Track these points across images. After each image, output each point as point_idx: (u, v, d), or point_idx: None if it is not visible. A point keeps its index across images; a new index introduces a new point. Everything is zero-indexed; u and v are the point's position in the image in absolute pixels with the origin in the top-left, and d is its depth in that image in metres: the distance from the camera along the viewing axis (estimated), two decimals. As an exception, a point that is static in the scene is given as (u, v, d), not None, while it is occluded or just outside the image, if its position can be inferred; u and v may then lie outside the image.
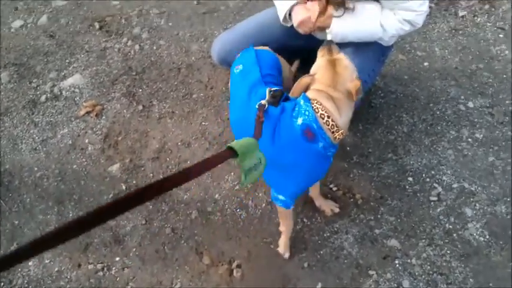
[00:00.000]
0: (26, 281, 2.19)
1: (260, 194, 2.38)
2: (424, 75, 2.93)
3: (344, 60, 1.67)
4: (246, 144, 1.26)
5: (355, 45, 2.05)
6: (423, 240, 2.18)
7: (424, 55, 3.06)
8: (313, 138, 1.66)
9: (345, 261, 2.13)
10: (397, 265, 2.11)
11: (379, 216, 2.28)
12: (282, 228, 2.15)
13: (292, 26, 2.10)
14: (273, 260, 2.16)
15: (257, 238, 2.23)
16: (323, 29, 2.00)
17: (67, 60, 3.16)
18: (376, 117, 2.69)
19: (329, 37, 1.97)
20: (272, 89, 1.78)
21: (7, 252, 0.76)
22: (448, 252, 2.13)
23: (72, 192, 2.46)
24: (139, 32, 3.33)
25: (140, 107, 2.83)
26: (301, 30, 2.03)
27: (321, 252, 2.16)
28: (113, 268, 2.19)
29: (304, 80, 1.70)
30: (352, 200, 2.34)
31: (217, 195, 2.38)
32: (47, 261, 2.22)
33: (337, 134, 1.66)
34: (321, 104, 1.63)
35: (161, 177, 2.43)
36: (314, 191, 2.26)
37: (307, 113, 1.65)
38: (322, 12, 1.91)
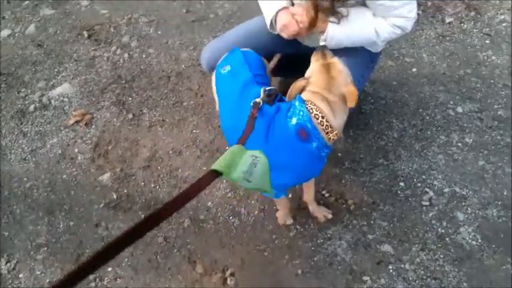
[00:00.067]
0: (16, 293, 2.15)
1: (252, 202, 2.37)
2: (412, 81, 2.96)
3: (338, 64, 1.68)
4: (229, 156, 1.23)
5: (344, 51, 2.05)
6: (416, 245, 2.18)
7: (412, 61, 3.09)
8: (307, 138, 1.67)
9: (339, 267, 2.13)
10: (391, 270, 2.11)
11: (371, 221, 2.28)
12: (277, 206, 2.21)
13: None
14: (267, 267, 2.14)
15: (250, 245, 2.22)
16: (320, 32, 1.99)
17: (56, 70, 3.14)
18: (366, 123, 2.70)
19: (322, 42, 1.97)
20: (267, 88, 1.79)
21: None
22: (441, 256, 2.14)
23: (63, 202, 2.43)
24: (128, 41, 3.32)
25: (130, 116, 2.81)
26: (284, 35, 2.01)
27: (315, 258, 2.16)
28: (105, 279, 2.16)
29: (299, 83, 1.70)
30: (344, 205, 2.34)
31: (209, 203, 2.37)
32: (38, 273, 2.19)
33: (331, 134, 1.66)
34: (315, 105, 1.64)
35: (152, 185, 2.44)
36: (308, 196, 2.26)
37: (301, 113, 1.66)
38: (313, 22, 1.91)
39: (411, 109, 2.78)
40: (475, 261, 2.11)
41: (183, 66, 3.12)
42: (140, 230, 1.00)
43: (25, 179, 2.54)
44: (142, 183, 2.48)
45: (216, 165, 1.17)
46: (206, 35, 3.31)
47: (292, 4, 2.05)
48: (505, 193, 2.35)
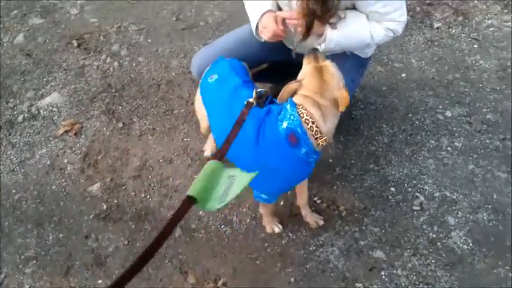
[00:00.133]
0: (5, 307, 2.13)
1: (244, 210, 2.36)
2: (402, 86, 2.97)
3: (330, 67, 1.68)
4: (203, 178, 1.23)
5: (333, 56, 2.06)
6: (408, 250, 2.19)
7: (401, 66, 3.11)
8: (297, 143, 1.68)
9: (332, 274, 2.12)
10: (384, 276, 2.11)
11: (363, 227, 2.28)
12: (261, 210, 2.21)
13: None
14: (259, 276, 2.13)
15: (242, 254, 2.21)
16: (317, 35, 1.99)
17: (44, 79, 3.12)
18: (356, 129, 2.71)
19: (320, 46, 1.95)
20: (258, 89, 1.80)
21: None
22: (433, 261, 2.14)
23: (52, 214, 2.40)
24: (118, 49, 3.31)
25: (120, 125, 2.80)
26: (264, 36, 2.01)
27: (307, 266, 2.15)
28: (96, 291, 2.14)
29: (291, 85, 1.71)
30: (336, 212, 2.34)
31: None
32: (27, 287, 2.16)
33: (320, 140, 1.68)
34: (306, 110, 1.64)
35: (143, 195, 2.43)
36: (301, 200, 2.26)
37: (292, 117, 1.67)
38: (309, 25, 1.90)
39: (401, 114, 2.79)
40: (467, 266, 2.12)
41: (173, 74, 3.11)
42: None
43: (13, 190, 2.51)
44: (133, 193, 2.46)
45: (192, 191, 1.17)
46: (196, 42, 3.31)
47: (279, 8, 2.05)
48: (494, 197, 2.36)
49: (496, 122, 2.70)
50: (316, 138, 1.67)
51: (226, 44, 2.33)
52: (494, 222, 2.27)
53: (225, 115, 1.83)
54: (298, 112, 1.66)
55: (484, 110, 2.78)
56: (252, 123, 1.73)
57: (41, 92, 3.03)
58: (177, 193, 2.44)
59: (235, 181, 1.25)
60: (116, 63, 3.21)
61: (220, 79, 1.97)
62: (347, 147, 2.62)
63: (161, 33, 3.45)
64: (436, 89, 2.94)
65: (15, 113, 2.90)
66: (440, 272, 2.11)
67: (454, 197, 2.37)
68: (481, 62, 3.11)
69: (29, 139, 2.76)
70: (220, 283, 2.11)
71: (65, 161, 2.63)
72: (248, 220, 2.33)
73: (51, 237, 2.31)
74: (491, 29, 3.37)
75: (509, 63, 3.07)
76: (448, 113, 2.78)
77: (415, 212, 2.33)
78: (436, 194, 2.39)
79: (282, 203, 2.37)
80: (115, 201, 2.43)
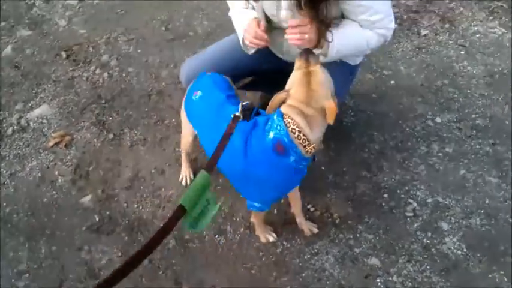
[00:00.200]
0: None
1: (238, 219, 2.35)
2: (391, 93, 3.00)
3: (320, 73, 1.67)
4: (195, 191, 1.29)
5: (323, 64, 2.07)
6: (403, 257, 2.19)
7: (390, 74, 3.13)
8: (284, 152, 1.68)
9: (327, 282, 2.12)
10: (379, 283, 2.10)
11: (357, 234, 2.28)
12: (254, 219, 2.21)
13: (257, 50, 2.10)
14: (254, 285, 2.12)
15: (237, 264, 2.20)
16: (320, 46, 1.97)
17: (34, 91, 3.09)
18: (348, 136, 2.72)
19: (324, 58, 1.95)
20: (243, 103, 1.80)
21: None
22: (428, 267, 2.14)
23: (44, 226, 2.37)
24: (107, 60, 3.30)
25: (111, 136, 2.78)
26: (247, 41, 2.00)
27: (303, 274, 2.14)
28: (90, 304, 2.12)
29: (279, 96, 1.71)
30: (330, 219, 2.34)
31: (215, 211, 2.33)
32: (19, 301, 2.13)
33: (308, 148, 1.67)
34: (292, 119, 1.65)
35: (135, 206, 2.41)
36: (295, 208, 2.26)
37: (278, 127, 1.67)
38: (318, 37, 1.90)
39: (391, 121, 2.81)
40: (462, 271, 2.12)
41: (163, 84, 3.10)
42: (120, 275, 1.01)
43: (4, 204, 2.48)
44: (125, 204, 2.44)
45: (184, 200, 1.24)
46: (186, 52, 3.31)
47: (268, 20, 2.05)
48: (486, 201, 2.38)
49: (486, 127, 2.73)
50: (305, 146, 1.67)
51: (214, 53, 2.34)
52: (487, 227, 2.28)
53: (213, 133, 1.81)
54: (284, 122, 1.67)
55: (473, 116, 2.81)
56: (239, 136, 1.74)
57: (30, 104, 3.01)
58: (169, 203, 2.43)
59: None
60: (105, 74, 3.19)
61: (204, 95, 1.97)
62: (339, 154, 2.63)
63: (151, 44, 3.45)
64: (425, 95, 2.96)
65: (4, 125, 2.87)
66: (435, 278, 2.11)
67: (446, 203, 2.39)
68: (469, 68, 3.15)
69: (19, 152, 2.73)
70: (215, 293, 2.10)
71: (56, 173, 2.61)
72: (242, 229, 2.32)
73: (43, 250, 2.28)
74: (477, 35, 3.41)
75: (496, 69, 3.12)
76: (438, 119, 2.80)
77: (408, 219, 2.34)
78: (429, 200, 2.41)
79: (275, 211, 2.37)
80: (107, 212, 2.41)
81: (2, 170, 2.64)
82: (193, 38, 3.48)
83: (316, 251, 2.23)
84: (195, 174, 2.50)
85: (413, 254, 2.20)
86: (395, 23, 2.02)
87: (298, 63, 1.74)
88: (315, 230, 2.29)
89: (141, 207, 2.42)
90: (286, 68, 1.81)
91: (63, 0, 3.88)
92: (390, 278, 2.12)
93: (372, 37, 1.95)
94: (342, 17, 1.97)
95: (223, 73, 2.18)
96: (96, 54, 3.36)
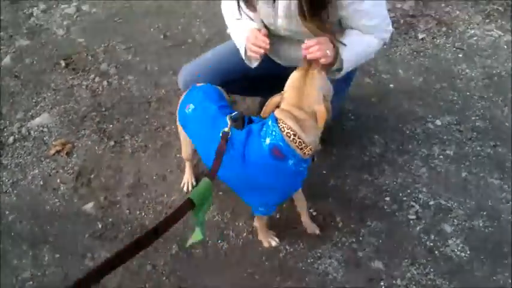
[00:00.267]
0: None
1: (240, 224, 2.35)
2: (391, 97, 3.01)
3: (314, 78, 1.68)
4: (203, 191, 1.35)
5: None
6: (406, 260, 2.19)
7: (389, 77, 3.15)
8: (282, 157, 1.70)
9: (331, 286, 2.11)
10: (383, 287, 2.10)
11: (360, 238, 2.28)
12: (256, 223, 2.21)
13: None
14: (259, 290, 2.12)
15: (240, 269, 2.19)
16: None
17: (34, 100, 3.09)
18: (349, 140, 2.73)
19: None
20: (231, 114, 1.81)
21: None
22: (432, 270, 2.14)
23: (47, 234, 2.36)
24: (106, 68, 3.30)
25: (112, 143, 2.78)
26: (248, 51, 1.98)
27: (306, 279, 2.14)
28: (93, 311, 2.10)
29: (274, 99, 1.74)
30: (332, 223, 2.34)
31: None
32: (21, 309, 2.12)
33: (305, 150, 1.69)
34: (286, 124, 1.66)
35: (137, 212, 2.40)
36: (301, 208, 2.27)
37: (274, 133, 1.69)
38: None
39: (392, 124, 2.82)
40: (466, 273, 2.12)
41: (163, 91, 3.11)
42: (123, 257, 1.03)
43: (7, 212, 2.47)
44: (127, 211, 2.44)
45: (192, 195, 1.30)
46: (185, 59, 3.28)
47: (267, 29, 2.05)
48: (489, 203, 2.38)
49: (486, 129, 2.75)
50: (301, 149, 1.69)
51: (211, 58, 2.35)
52: (490, 228, 2.29)
53: (209, 145, 1.80)
54: (279, 126, 1.68)
55: (473, 118, 2.82)
56: (235, 146, 1.75)
57: (30, 113, 3.00)
58: (172, 209, 2.41)
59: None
60: (105, 82, 3.19)
61: (196, 108, 1.96)
62: (340, 158, 2.63)
63: (149, 51, 3.46)
64: (424, 98, 2.98)
65: (5, 134, 2.87)
66: (439, 281, 2.11)
67: (449, 205, 2.39)
68: (467, 70, 3.16)
69: (21, 160, 2.72)
70: (219, 299, 2.09)
71: (58, 180, 2.60)
72: (245, 234, 2.32)
73: (46, 258, 2.27)
74: (474, 38, 3.44)
75: (494, 71, 3.13)
76: (438, 122, 2.81)
77: (411, 221, 2.34)
78: (431, 203, 2.41)
79: (277, 216, 2.36)
80: (110, 219, 2.40)
81: (4, 178, 2.63)
82: (191, 44, 3.49)
83: (319, 255, 2.22)
84: (197, 180, 2.50)
85: (416, 257, 2.20)
86: (392, 27, 2.04)
87: (300, 66, 1.75)
88: (317, 232, 2.29)
89: (143, 214, 2.42)
90: (285, 73, 1.81)
91: (61, 10, 3.89)
92: (394, 281, 2.11)
93: (374, 42, 1.96)
94: (339, 24, 1.98)
95: (221, 78, 2.20)
96: (95, 63, 3.36)
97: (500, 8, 3.68)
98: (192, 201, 1.28)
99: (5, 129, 2.90)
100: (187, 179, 2.50)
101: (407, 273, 2.14)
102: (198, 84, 2.11)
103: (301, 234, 2.29)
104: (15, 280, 2.19)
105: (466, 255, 2.19)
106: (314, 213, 2.37)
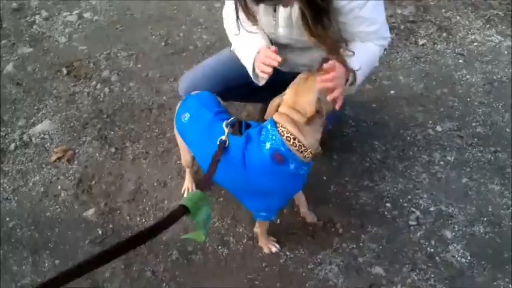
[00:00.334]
0: None
1: (241, 230, 2.35)
2: (391, 103, 3.01)
3: (312, 81, 1.69)
4: (196, 198, 1.33)
5: None
6: (407, 266, 2.18)
7: (389, 83, 3.15)
8: (283, 161, 1.70)
9: (331, 292, 2.11)
10: (384, 292, 2.10)
11: (361, 244, 2.28)
12: (257, 229, 2.21)
13: None
14: (259, 296, 2.12)
15: (241, 275, 2.19)
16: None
17: (35, 107, 3.11)
18: (349, 146, 2.73)
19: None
20: (228, 121, 1.82)
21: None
22: (432, 276, 2.14)
23: (47, 240, 2.37)
24: (108, 75, 3.32)
25: (113, 150, 2.79)
26: (258, 69, 1.93)
27: (307, 285, 2.14)
28: (93, 318, 2.11)
29: (275, 101, 1.76)
30: (333, 229, 2.34)
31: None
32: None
33: (306, 153, 1.70)
34: (285, 128, 1.67)
35: (138, 219, 2.41)
36: (300, 202, 2.31)
37: (273, 137, 1.70)
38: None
39: (392, 130, 2.82)
40: (466, 279, 2.12)
41: (164, 98, 3.12)
42: (109, 255, 1.03)
43: (7, 218, 2.48)
44: (128, 217, 2.45)
45: (185, 201, 1.28)
46: (186, 66, 3.33)
47: (272, 43, 2.05)
48: (489, 209, 2.38)
49: (487, 135, 2.74)
50: (302, 152, 1.70)
51: (212, 65, 2.35)
52: (490, 234, 2.28)
53: (208, 152, 1.80)
54: (278, 131, 1.69)
55: (473, 124, 2.82)
56: (235, 152, 1.76)
57: (32, 120, 3.02)
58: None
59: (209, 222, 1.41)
60: (106, 89, 3.21)
61: (192, 117, 1.97)
62: (341, 164, 2.63)
63: (151, 58, 3.47)
64: (425, 104, 2.98)
65: (7, 141, 2.88)
66: (439, 286, 2.10)
67: (449, 211, 2.39)
68: (468, 76, 3.16)
69: (22, 167, 2.73)
70: (219, 305, 2.09)
71: (59, 187, 2.61)
72: (245, 240, 2.32)
73: (47, 264, 2.27)
74: (475, 43, 3.44)
75: (495, 77, 3.13)
76: (439, 128, 2.81)
77: (411, 227, 2.33)
78: (432, 209, 2.40)
79: (278, 221, 2.36)
80: (110, 225, 2.41)
81: (5, 185, 2.64)
82: (192, 51, 3.51)
83: (319, 260, 2.22)
84: (197, 186, 2.50)
85: (417, 263, 2.19)
86: (393, 33, 2.04)
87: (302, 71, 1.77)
88: (315, 220, 2.35)
89: (144, 220, 2.42)
90: (285, 79, 1.82)
91: (63, 17, 3.92)
92: (394, 287, 2.11)
93: (376, 49, 1.96)
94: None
95: (222, 84, 2.21)
96: (96, 70, 3.38)
97: (500, 13, 3.68)
98: (185, 206, 1.28)
99: (7, 136, 2.92)
100: (188, 185, 2.51)
101: (407, 279, 2.14)
102: (193, 93, 2.11)
103: (302, 240, 2.29)
104: (15, 286, 2.19)
105: (467, 261, 2.18)
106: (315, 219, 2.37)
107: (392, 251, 2.24)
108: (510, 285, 2.08)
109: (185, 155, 2.27)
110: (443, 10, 3.77)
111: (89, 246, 2.33)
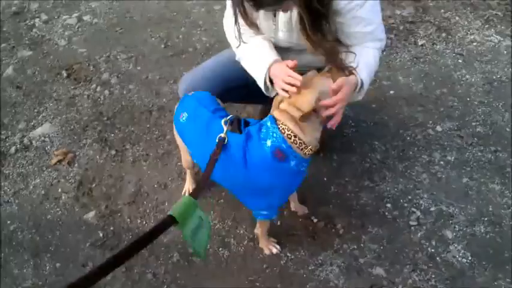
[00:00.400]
0: None
1: (241, 231, 2.35)
2: (391, 103, 3.01)
3: (316, 80, 1.70)
4: (185, 207, 1.30)
5: None
6: (407, 266, 2.18)
7: (389, 84, 3.15)
8: (284, 158, 1.71)
9: (332, 293, 2.11)
10: (385, 293, 2.10)
11: (362, 244, 2.27)
12: (257, 230, 2.21)
13: None
14: (260, 298, 2.12)
15: (241, 276, 2.19)
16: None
17: (36, 110, 3.11)
18: (349, 147, 2.73)
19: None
20: (226, 118, 1.82)
21: None
22: (433, 276, 2.13)
23: (48, 243, 2.37)
24: (108, 78, 3.32)
25: (113, 152, 2.79)
26: (277, 87, 1.85)
27: (307, 286, 2.13)
28: (95, 320, 2.10)
29: (278, 98, 1.78)
30: (333, 230, 2.34)
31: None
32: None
33: (306, 150, 1.71)
34: (286, 125, 1.68)
35: (139, 221, 2.41)
36: (295, 203, 2.36)
37: (274, 134, 1.70)
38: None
39: (392, 131, 2.82)
40: (467, 279, 2.11)
41: (164, 100, 3.12)
42: (102, 272, 1.03)
43: (8, 221, 2.48)
44: (128, 220, 2.45)
45: (173, 212, 1.25)
46: (185, 68, 3.33)
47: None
48: (490, 209, 2.38)
49: (487, 135, 2.74)
50: (302, 149, 1.71)
51: (211, 66, 2.36)
52: (491, 234, 2.28)
53: (207, 150, 1.80)
54: (279, 128, 1.70)
55: (473, 123, 2.82)
56: (236, 150, 1.76)
57: (32, 123, 3.02)
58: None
59: (203, 227, 1.35)
60: (106, 92, 3.21)
61: (190, 116, 1.97)
62: (341, 165, 2.63)
63: (150, 61, 3.48)
64: (424, 104, 2.98)
65: (7, 144, 2.89)
66: (441, 287, 2.10)
67: (450, 211, 2.39)
68: (467, 76, 3.17)
69: (22, 170, 2.74)
70: (220, 307, 2.09)
71: (59, 190, 2.61)
72: (246, 242, 2.31)
73: (48, 267, 2.27)
74: (474, 43, 3.44)
75: (494, 77, 3.14)
76: (439, 128, 2.81)
77: (412, 228, 2.33)
78: (432, 209, 2.40)
79: (278, 223, 2.37)
80: (111, 228, 2.41)
81: (5, 188, 2.65)
82: (192, 53, 3.51)
83: (320, 262, 2.22)
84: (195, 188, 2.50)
85: (418, 263, 2.19)
86: (392, 33, 2.04)
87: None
88: (306, 211, 2.38)
89: (144, 222, 2.42)
90: None
91: (63, 21, 3.93)
92: (396, 288, 2.11)
93: (374, 53, 1.96)
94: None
95: (222, 86, 2.21)
96: (96, 73, 3.39)
97: (499, 13, 3.69)
98: (173, 217, 1.26)
99: (7, 139, 2.92)
100: (189, 187, 2.51)
101: (408, 280, 2.13)
102: (190, 93, 2.11)
103: (302, 241, 2.29)
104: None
105: (468, 261, 2.18)
106: (315, 220, 2.37)
107: (393, 251, 2.24)
108: (511, 285, 2.08)
109: (185, 155, 2.27)
110: (442, 10, 3.78)
111: (90, 249, 2.33)
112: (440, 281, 2.12)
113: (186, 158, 2.30)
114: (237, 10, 1.76)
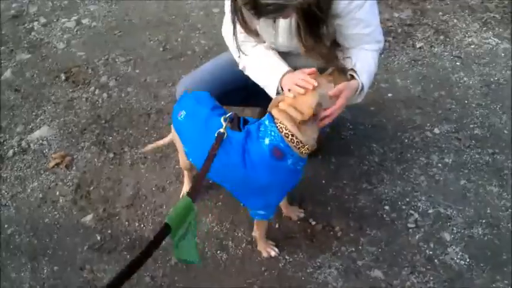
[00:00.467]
0: None
1: (239, 234, 2.35)
2: (389, 106, 3.01)
3: (320, 85, 1.71)
4: (181, 211, 1.31)
5: None
6: (406, 269, 2.18)
7: (387, 86, 3.15)
8: (282, 157, 1.73)
9: (331, 296, 2.11)
10: (383, 296, 2.10)
11: (360, 247, 2.27)
12: (255, 233, 2.21)
13: None
14: (258, 300, 2.12)
15: (240, 279, 2.19)
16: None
17: (34, 113, 3.11)
18: (347, 149, 2.73)
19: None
20: (226, 115, 1.83)
21: None
22: (432, 278, 2.14)
23: (46, 247, 2.37)
24: (106, 81, 3.32)
25: (111, 155, 2.79)
26: (285, 88, 1.88)
27: (306, 289, 2.14)
28: (92, 324, 2.10)
29: (278, 99, 1.78)
30: (331, 233, 2.34)
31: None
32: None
33: (303, 149, 1.73)
34: (283, 124, 1.69)
35: (137, 224, 2.40)
36: (284, 204, 2.34)
37: (272, 133, 1.72)
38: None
39: (390, 133, 2.83)
40: (465, 281, 2.12)
41: (162, 103, 3.12)
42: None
43: (6, 225, 2.47)
44: (127, 223, 2.44)
45: (169, 219, 1.26)
46: (184, 71, 3.33)
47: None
48: (488, 211, 2.38)
49: (484, 137, 2.75)
50: (299, 148, 1.72)
51: (210, 69, 2.36)
52: (489, 236, 2.28)
53: (205, 148, 1.80)
54: (277, 127, 1.71)
55: (471, 126, 2.83)
56: (234, 148, 1.76)
57: (30, 126, 3.02)
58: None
59: (189, 230, 1.37)
60: (104, 95, 3.21)
61: (188, 114, 1.97)
62: (339, 167, 2.64)
63: (149, 64, 3.48)
64: (422, 107, 2.98)
65: (5, 147, 2.88)
66: (439, 289, 2.10)
67: (448, 213, 2.39)
68: (465, 78, 3.17)
69: (20, 173, 2.73)
70: (218, 310, 2.09)
71: (57, 193, 2.61)
72: (244, 244, 2.31)
73: (45, 271, 2.27)
74: (472, 46, 3.45)
75: (492, 79, 3.14)
76: (436, 130, 2.82)
77: (410, 230, 2.33)
78: (430, 211, 2.40)
79: (276, 225, 2.37)
80: (109, 231, 2.40)
81: (3, 191, 2.64)
82: (190, 56, 3.51)
83: (318, 264, 2.22)
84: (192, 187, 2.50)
85: (416, 266, 2.19)
86: (390, 36, 2.04)
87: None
88: (302, 215, 2.37)
89: (142, 225, 2.42)
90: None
91: (62, 24, 3.93)
92: (394, 290, 2.11)
93: (373, 55, 1.96)
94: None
95: (220, 89, 2.20)
96: (95, 76, 3.39)
97: (497, 16, 3.70)
98: (168, 225, 1.26)
99: (5, 143, 2.92)
100: (187, 189, 2.51)
101: (407, 282, 2.13)
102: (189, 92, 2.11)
103: (301, 243, 2.29)
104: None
105: (466, 263, 2.18)
106: (313, 223, 2.37)
107: (391, 253, 2.24)
108: (509, 287, 2.08)
109: (183, 156, 2.27)
110: (440, 13, 3.79)
111: (88, 252, 2.33)
112: (438, 283, 2.12)
113: (184, 159, 2.30)
114: (236, 18, 1.77)
